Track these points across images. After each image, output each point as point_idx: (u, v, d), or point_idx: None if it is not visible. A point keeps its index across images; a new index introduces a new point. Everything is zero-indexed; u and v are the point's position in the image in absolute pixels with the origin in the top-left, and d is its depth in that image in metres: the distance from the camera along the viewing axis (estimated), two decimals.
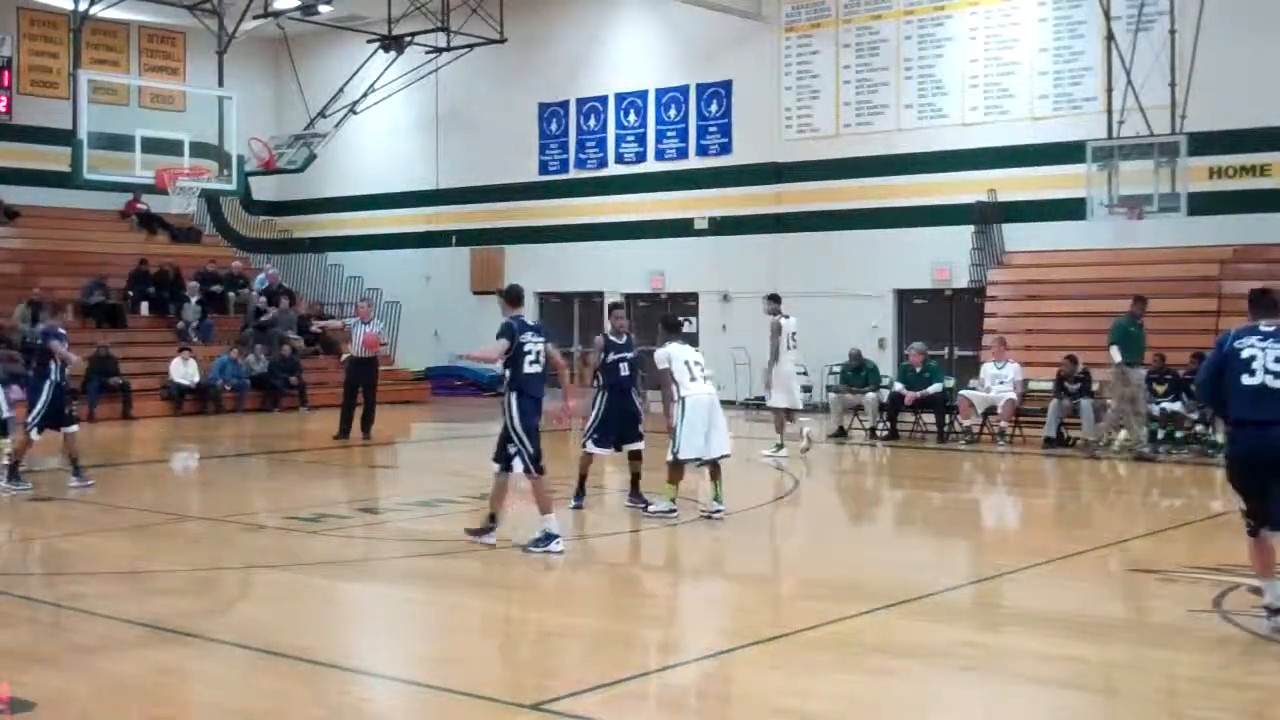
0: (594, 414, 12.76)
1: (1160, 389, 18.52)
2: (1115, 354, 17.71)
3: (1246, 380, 8.14)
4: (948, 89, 24.67)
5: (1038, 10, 23.78)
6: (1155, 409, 18.35)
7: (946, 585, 9.77)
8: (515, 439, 10.73)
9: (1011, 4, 24.04)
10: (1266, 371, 8.12)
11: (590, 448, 12.74)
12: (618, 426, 12.75)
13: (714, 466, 12.37)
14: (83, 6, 25.33)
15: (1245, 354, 8.22)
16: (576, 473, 12.92)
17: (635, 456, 12.84)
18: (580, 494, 12.78)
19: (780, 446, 17.33)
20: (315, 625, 8.77)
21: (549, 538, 10.64)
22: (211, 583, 10.41)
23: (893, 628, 8.35)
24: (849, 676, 7.32)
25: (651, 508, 12.36)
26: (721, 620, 9.39)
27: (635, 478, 12.87)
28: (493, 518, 11.05)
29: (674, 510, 12.28)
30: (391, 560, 11.04)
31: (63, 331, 13.77)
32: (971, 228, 24.07)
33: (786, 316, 18.01)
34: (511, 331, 10.77)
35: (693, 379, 12.41)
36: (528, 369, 10.79)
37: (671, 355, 12.43)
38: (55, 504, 14.23)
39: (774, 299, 18.41)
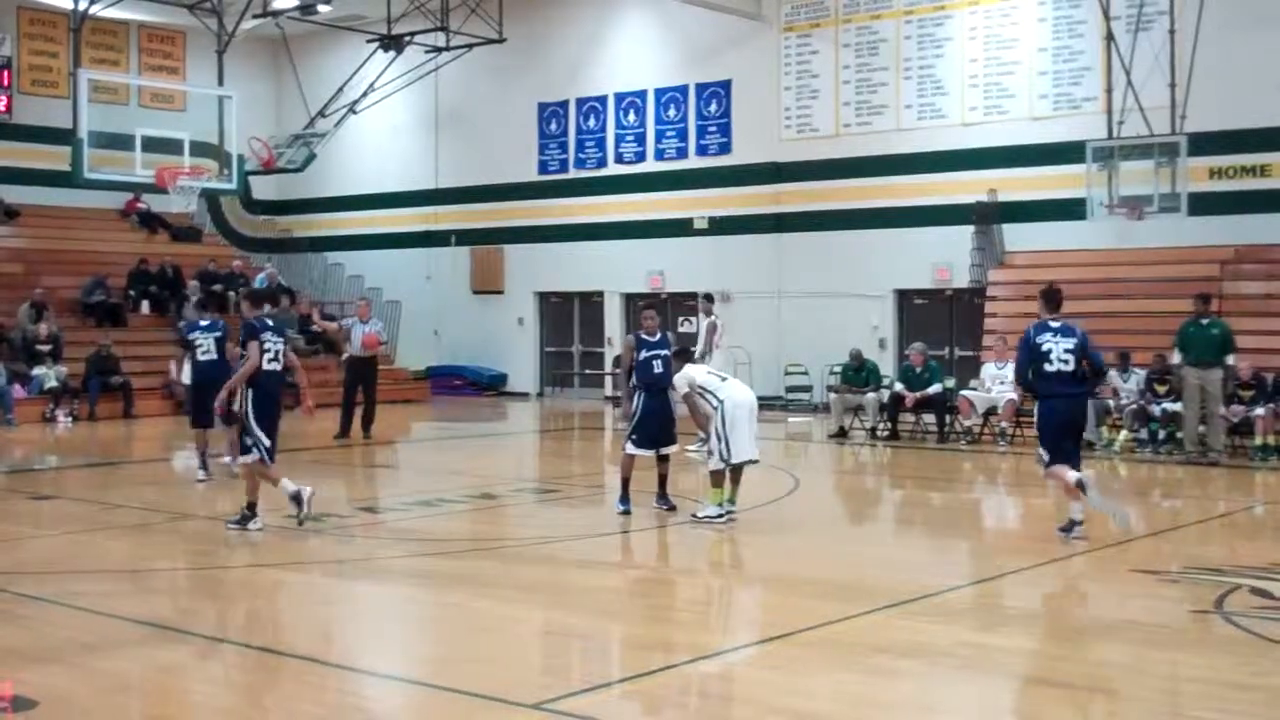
0: (633, 415, 12.71)
1: (1161, 389, 18.51)
2: (1174, 356, 17.78)
3: (1048, 368, 11.42)
4: (947, 89, 24.67)
5: (1037, 10, 23.78)
6: (1156, 409, 18.35)
7: (947, 585, 9.78)
8: (249, 432, 11.69)
9: (1011, 4, 24.03)
10: (1059, 360, 11.37)
11: (630, 449, 12.64)
12: (655, 428, 12.64)
13: (738, 469, 12.36)
14: (82, 6, 25.33)
15: (1044, 348, 11.44)
16: (619, 476, 12.85)
17: (663, 459, 12.77)
18: (625, 498, 12.65)
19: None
20: (316, 625, 8.79)
21: (247, 519, 11.69)
22: (212, 582, 10.42)
23: (893, 628, 8.36)
24: (850, 676, 7.33)
25: (702, 514, 12.26)
26: (722, 620, 9.42)
27: (662, 479, 12.79)
28: (251, 507, 11.76)
29: (726, 514, 12.13)
30: (392, 560, 11.04)
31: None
32: (972, 228, 24.06)
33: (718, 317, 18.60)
34: (254, 331, 11.82)
35: (723, 379, 12.50)
36: (266, 366, 11.83)
37: (690, 376, 12.44)
38: (55, 502, 14.26)
39: (711, 299, 19.24)
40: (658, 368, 12.66)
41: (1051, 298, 11.77)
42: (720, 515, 12.14)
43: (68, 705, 6.64)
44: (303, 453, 18.23)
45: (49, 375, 23.82)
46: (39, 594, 9.26)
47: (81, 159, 23.67)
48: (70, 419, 23.26)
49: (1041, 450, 11.70)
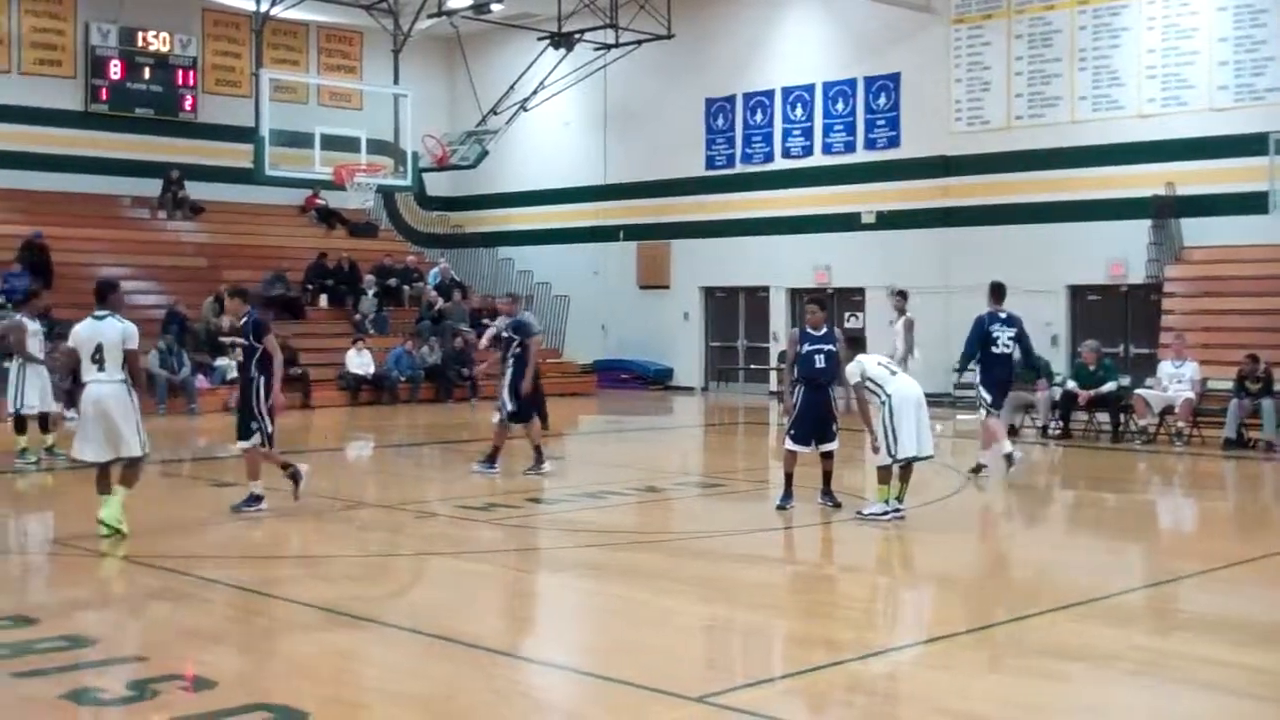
0: (793, 410, 12.70)
1: None
2: None
3: (994, 350, 14.94)
4: (1123, 80, 24.09)
5: None
6: None
7: (1119, 588, 9.59)
8: (258, 417, 12.21)
9: None
10: (1003, 345, 14.91)
11: (790, 445, 12.61)
12: (814, 423, 12.58)
13: (907, 465, 12.26)
14: (264, 8, 26.08)
15: (994, 334, 14.89)
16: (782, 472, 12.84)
17: (827, 456, 12.69)
18: (787, 494, 12.60)
19: None
20: (485, 612, 8.95)
21: (255, 499, 12.31)
22: (385, 568, 10.68)
23: (1062, 630, 8.22)
24: (1016, 679, 7.24)
25: (867, 511, 12.19)
26: (886, 618, 9.35)
27: (827, 475, 12.70)
28: (295, 477, 12.64)
29: (893, 511, 12.02)
30: (559, 550, 11.20)
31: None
32: (1148, 222, 23.48)
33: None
34: (268, 327, 12.54)
35: (893, 373, 12.30)
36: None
37: (863, 365, 12.27)
38: (236, 489, 14.71)
39: (904, 295, 20.04)
40: (819, 362, 12.55)
41: (998, 291, 15.30)
42: (886, 513, 12.04)
43: (245, 686, 6.85)
44: (471, 444, 18.56)
45: (230, 366, 24.53)
46: (219, 578, 9.57)
47: (263, 157, 24.42)
48: None
49: (985, 396, 15.06)
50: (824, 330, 12.73)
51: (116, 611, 8.90)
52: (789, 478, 12.63)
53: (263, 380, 12.22)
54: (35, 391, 16.07)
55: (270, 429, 12.32)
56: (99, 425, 10.90)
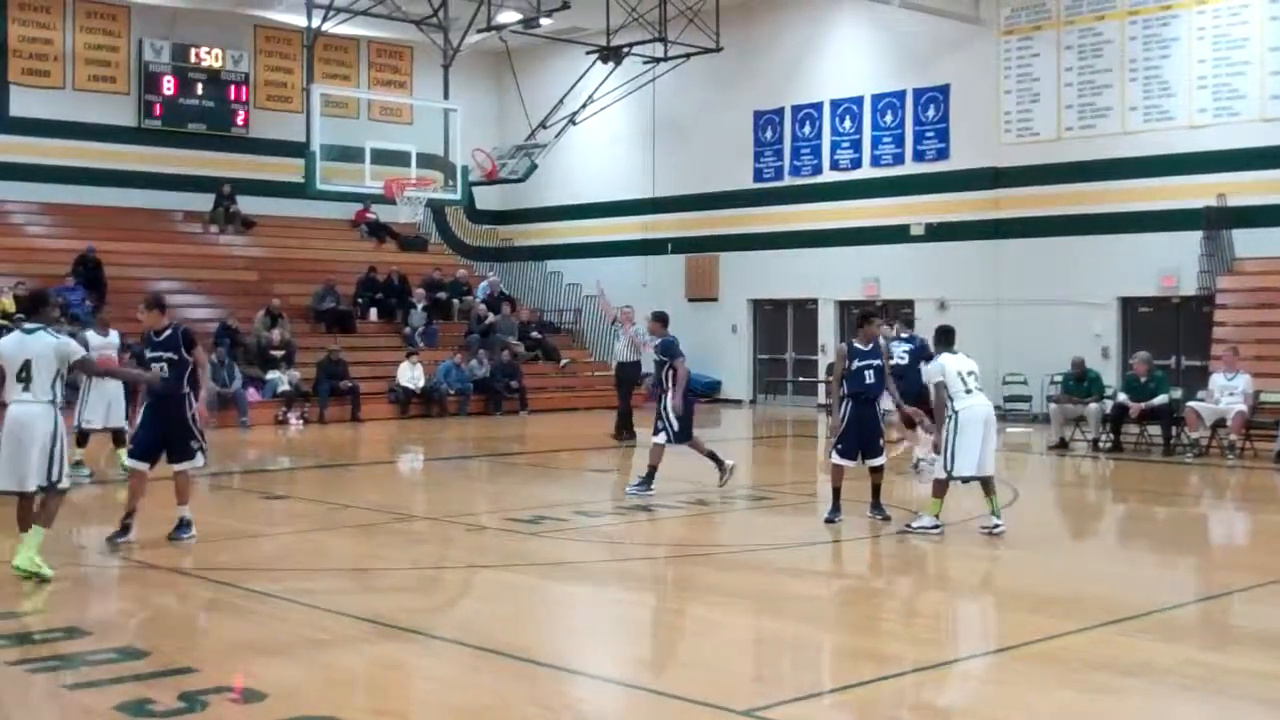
0: (840, 424, 12.65)
1: None
2: None
3: (893, 362, 15.26)
4: (1174, 90, 23.90)
5: (1269, 9, 22.86)
6: None
7: (1171, 603, 9.51)
8: (196, 433, 11.45)
9: (1241, 3, 23.17)
10: (898, 357, 16.06)
11: (836, 459, 12.58)
12: (860, 438, 12.55)
13: (986, 482, 12.16)
14: (315, 24, 26.28)
15: (893, 349, 15.94)
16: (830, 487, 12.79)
17: (876, 469, 12.68)
18: (835, 508, 12.58)
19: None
20: (533, 625, 8.96)
21: (186, 525, 11.42)
22: (434, 581, 10.72)
23: (1114, 644, 8.15)
24: (1068, 693, 7.18)
25: (916, 524, 12.12)
26: (938, 633, 9.30)
27: (875, 489, 12.68)
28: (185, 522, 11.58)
29: (938, 527, 12.00)
30: (608, 563, 11.20)
31: (669, 340, 13.57)
32: (1200, 233, 23.27)
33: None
34: (197, 339, 11.72)
35: (967, 390, 12.06)
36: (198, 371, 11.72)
37: (945, 368, 12.13)
38: (286, 502, 14.81)
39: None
40: (869, 378, 12.52)
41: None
42: (936, 526, 11.97)
43: (295, 698, 6.89)
44: (520, 456, 18.61)
45: (281, 379, 24.75)
46: (269, 590, 9.62)
47: (314, 171, 24.54)
48: (301, 421, 24.16)
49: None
50: (872, 345, 12.70)
51: (168, 624, 8.97)
52: (836, 492, 12.60)
53: (191, 396, 11.53)
54: (97, 408, 15.93)
55: (205, 443, 11.72)
56: (11, 448, 9.68)
